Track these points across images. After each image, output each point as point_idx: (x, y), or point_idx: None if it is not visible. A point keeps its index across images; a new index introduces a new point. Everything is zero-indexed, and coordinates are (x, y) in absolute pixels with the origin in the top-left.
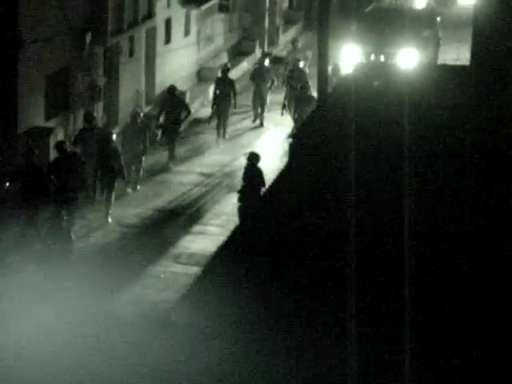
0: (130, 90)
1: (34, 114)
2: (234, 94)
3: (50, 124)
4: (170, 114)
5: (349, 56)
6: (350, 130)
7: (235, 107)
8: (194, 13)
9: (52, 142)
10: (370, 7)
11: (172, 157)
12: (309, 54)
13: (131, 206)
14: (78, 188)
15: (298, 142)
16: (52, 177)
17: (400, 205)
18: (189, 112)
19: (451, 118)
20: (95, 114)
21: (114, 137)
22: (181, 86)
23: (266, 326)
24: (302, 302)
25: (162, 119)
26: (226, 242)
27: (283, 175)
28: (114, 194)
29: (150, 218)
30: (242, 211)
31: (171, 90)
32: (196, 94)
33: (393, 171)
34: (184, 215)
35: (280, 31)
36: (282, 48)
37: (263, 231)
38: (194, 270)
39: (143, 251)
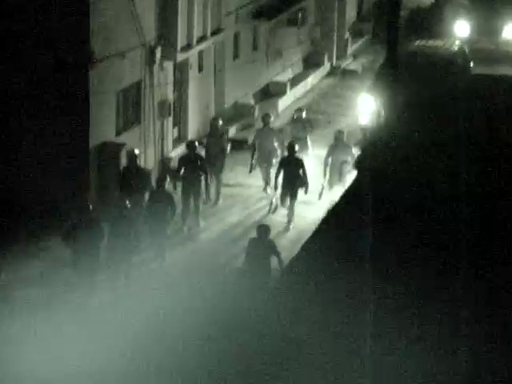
0: (199, 105)
1: (105, 129)
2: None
3: (121, 139)
4: (190, 172)
5: (364, 107)
6: (417, 147)
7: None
8: (262, 27)
9: (123, 157)
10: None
11: (198, 216)
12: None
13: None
14: None
15: (365, 159)
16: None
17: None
18: (206, 174)
19: None
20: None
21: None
22: (249, 100)
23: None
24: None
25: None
26: (298, 254)
27: (349, 192)
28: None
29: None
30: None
31: (191, 145)
32: (265, 109)
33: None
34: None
35: (349, 43)
36: (350, 61)
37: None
38: None
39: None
